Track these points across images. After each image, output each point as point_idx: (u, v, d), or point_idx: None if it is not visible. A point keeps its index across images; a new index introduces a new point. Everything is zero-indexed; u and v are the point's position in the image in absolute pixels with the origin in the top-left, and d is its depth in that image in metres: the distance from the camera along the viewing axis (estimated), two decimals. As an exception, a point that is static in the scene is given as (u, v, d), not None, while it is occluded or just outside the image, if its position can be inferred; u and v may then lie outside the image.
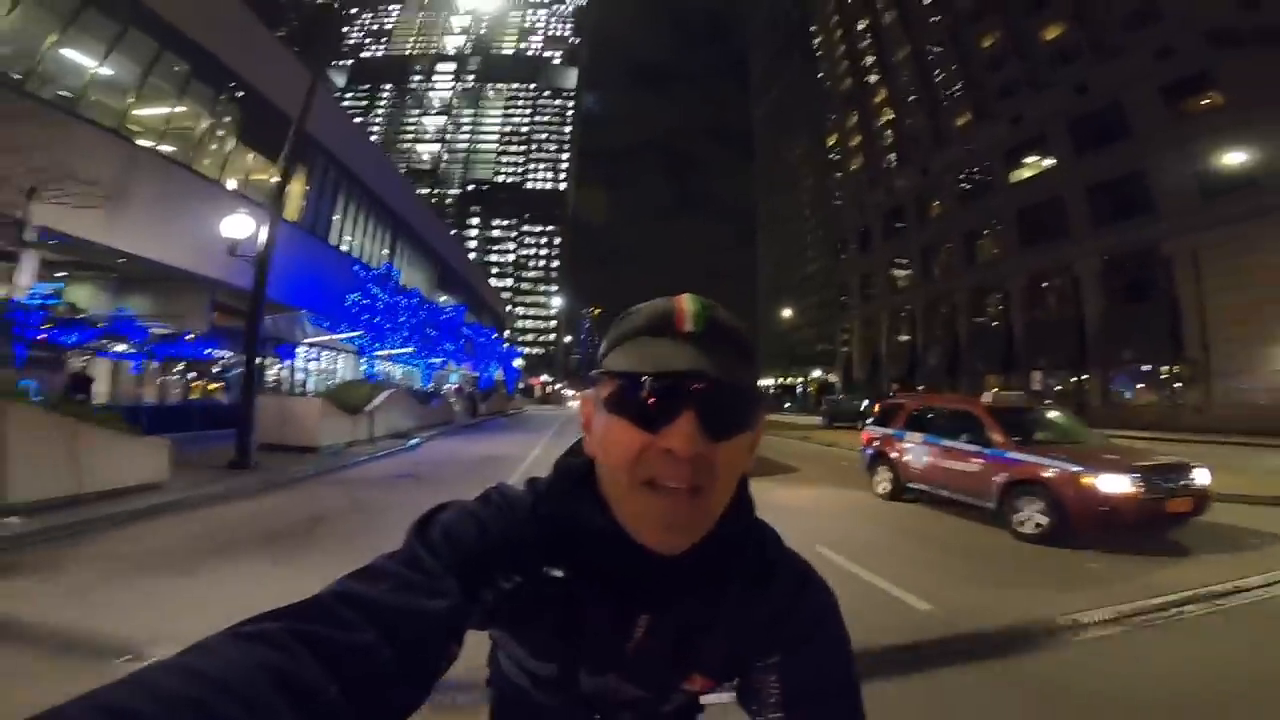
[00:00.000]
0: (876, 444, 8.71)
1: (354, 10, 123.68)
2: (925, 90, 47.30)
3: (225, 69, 13.91)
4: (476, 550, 0.60)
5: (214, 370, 18.20)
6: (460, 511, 0.64)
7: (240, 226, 9.10)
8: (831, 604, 0.71)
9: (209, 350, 17.08)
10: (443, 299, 26.75)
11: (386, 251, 24.33)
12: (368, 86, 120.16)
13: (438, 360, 23.73)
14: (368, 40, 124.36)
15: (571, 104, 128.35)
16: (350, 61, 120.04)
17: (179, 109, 13.23)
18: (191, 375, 17.43)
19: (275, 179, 16.58)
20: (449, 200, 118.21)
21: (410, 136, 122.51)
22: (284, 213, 15.72)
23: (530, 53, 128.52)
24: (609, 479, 0.62)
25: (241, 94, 14.61)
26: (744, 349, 0.63)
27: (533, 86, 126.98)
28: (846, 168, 61.63)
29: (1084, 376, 28.19)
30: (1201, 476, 5.83)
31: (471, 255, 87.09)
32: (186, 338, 15.48)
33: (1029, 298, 32.09)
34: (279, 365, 20.56)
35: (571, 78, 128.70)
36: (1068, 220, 29.43)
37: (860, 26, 57.94)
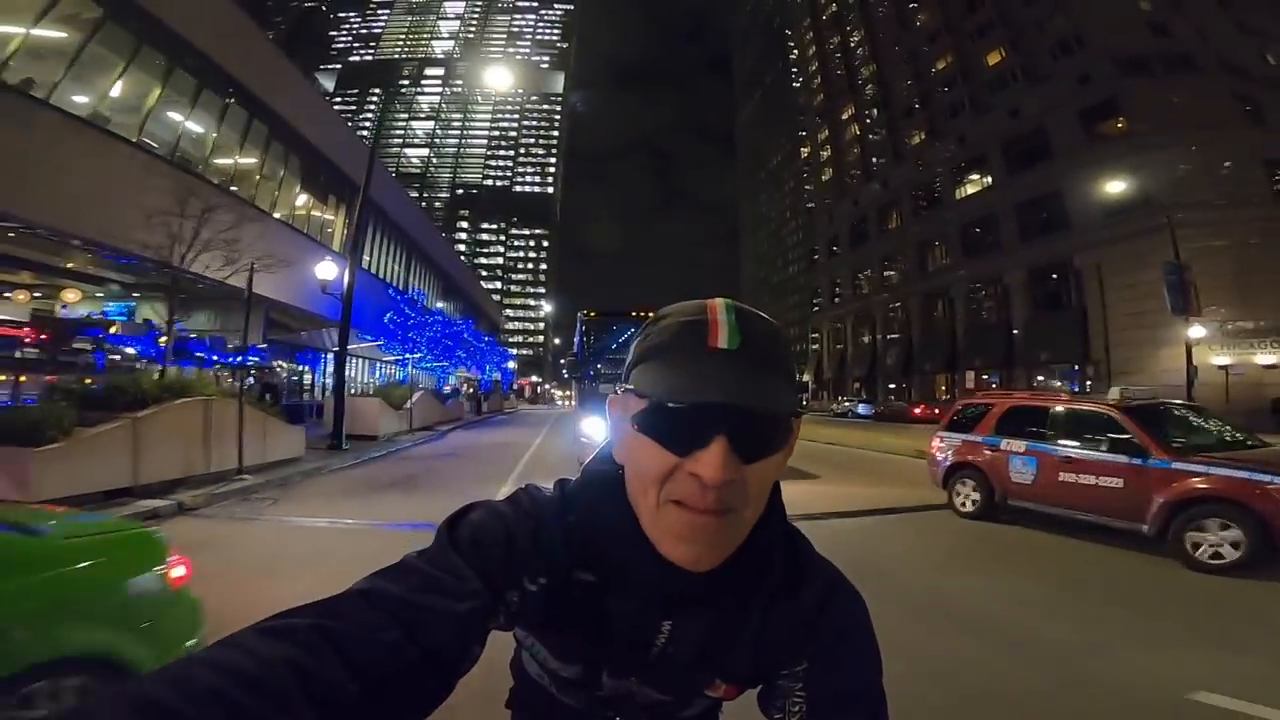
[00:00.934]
0: (955, 452, 7.47)
1: (342, 13, 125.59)
2: (887, 108, 51.15)
3: (295, 132, 17.03)
4: (504, 551, 0.61)
5: (269, 377, 21.33)
6: (489, 512, 0.65)
7: (327, 270, 12.40)
8: (862, 613, 0.68)
9: (251, 359, 20.09)
10: (441, 305, 30.00)
11: (402, 269, 27.57)
12: (355, 91, 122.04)
13: (446, 364, 27.04)
14: (356, 45, 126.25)
15: (559, 107, 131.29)
16: (338, 66, 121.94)
17: (262, 165, 16.34)
18: (249, 381, 20.53)
19: (329, 216, 19.85)
20: (438, 204, 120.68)
21: (399, 141, 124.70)
22: (332, 245, 19.07)
23: (518, 57, 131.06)
24: (636, 493, 0.61)
25: (305, 150, 17.78)
26: (781, 364, 0.60)
27: (520, 91, 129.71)
28: (819, 177, 65.50)
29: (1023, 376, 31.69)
30: None
31: (461, 259, 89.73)
32: (255, 348, 18.51)
33: (969, 304, 35.93)
34: (307, 370, 23.71)
35: (559, 82, 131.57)
36: (1000, 234, 33.29)
37: (831, 44, 61.64)
